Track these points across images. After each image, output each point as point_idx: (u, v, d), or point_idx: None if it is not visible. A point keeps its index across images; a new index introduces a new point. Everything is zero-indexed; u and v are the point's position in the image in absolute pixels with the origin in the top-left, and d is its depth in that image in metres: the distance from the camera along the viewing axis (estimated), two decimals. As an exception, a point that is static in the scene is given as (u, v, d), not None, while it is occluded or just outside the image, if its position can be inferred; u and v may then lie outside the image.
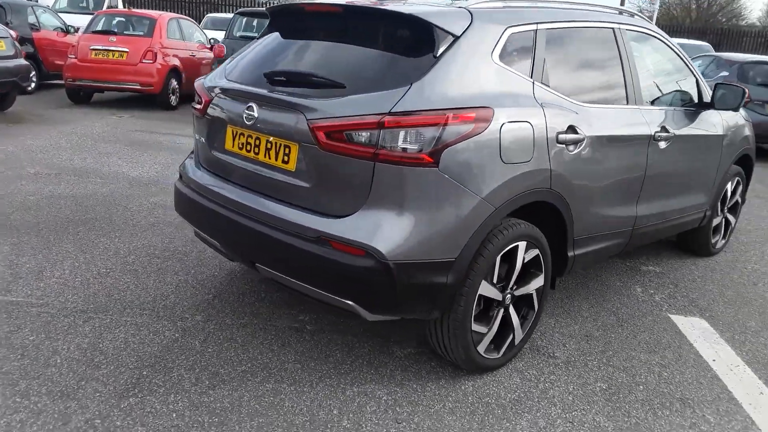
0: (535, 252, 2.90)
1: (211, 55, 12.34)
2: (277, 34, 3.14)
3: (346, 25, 2.86)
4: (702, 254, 4.82)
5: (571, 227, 3.08)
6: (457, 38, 2.59)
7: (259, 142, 2.76)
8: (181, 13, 19.78)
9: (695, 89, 4.18)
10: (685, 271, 4.51)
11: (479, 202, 2.54)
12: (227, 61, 3.30)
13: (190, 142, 7.98)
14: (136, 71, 10.30)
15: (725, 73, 10.37)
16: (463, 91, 2.53)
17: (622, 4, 23.61)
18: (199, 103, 3.15)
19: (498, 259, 2.70)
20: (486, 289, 2.71)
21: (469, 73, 2.59)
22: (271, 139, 2.69)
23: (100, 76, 10.23)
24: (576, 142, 2.96)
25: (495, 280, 2.75)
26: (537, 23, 2.95)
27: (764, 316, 3.81)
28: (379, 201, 2.41)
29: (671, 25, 31.58)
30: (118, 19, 11.26)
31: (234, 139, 2.91)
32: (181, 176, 3.35)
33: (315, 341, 3.09)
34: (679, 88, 4.10)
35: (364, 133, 2.39)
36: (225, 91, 2.97)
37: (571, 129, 2.93)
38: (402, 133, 2.36)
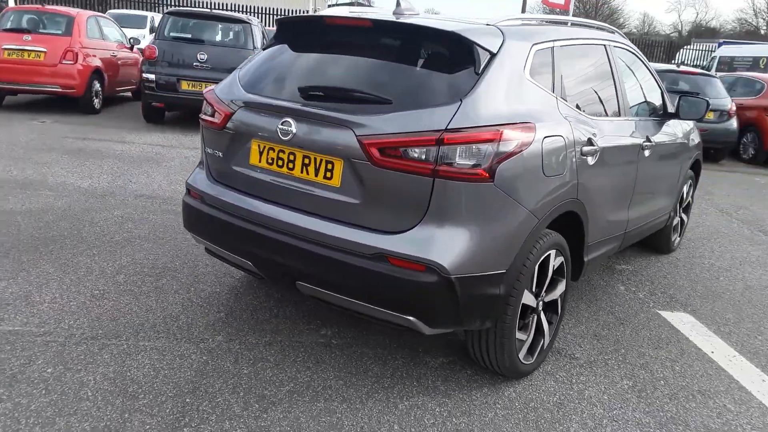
0: (560, 259, 3.02)
1: (133, 55, 11.73)
2: (292, 45, 3.06)
3: (377, 40, 2.85)
4: (663, 251, 5.18)
5: (587, 234, 3.23)
6: (494, 55, 2.63)
7: (294, 158, 2.68)
8: (84, 8, 18.56)
9: (661, 100, 4.49)
10: (653, 268, 4.83)
11: (527, 214, 2.61)
12: (238, 71, 3.16)
13: (129, 148, 7.61)
14: (55, 72, 9.59)
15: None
16: (508, 107, 2.59)
17: (523, 10, 24.65)
18: (213, 115, 3.00)
19: (536, 268, 2.79)
20: (527, 298, 2.79)
21: (510, 89, 2.65)
22: (311, 154, 2.63)
23: (15, 77, 9.45)
24: (593, 154, 3.11)
25: (534, 289, 2.84)
26: (554, 40, 3.07)
27: (737, 307, 4.16)
28: (438, 216, 2.42)
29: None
30: (29, 16, 10.38)
31: (262, 154, 2.80)
32: (189, 191, 3.18)
33: (347, 356, 3.04)
34: (649, 99, 4.39)
35: (421, 150, 2.39)
36: (250, 104, 2.85)
37: (589, 141, 3.08)
38: (460, 149, 2.39)
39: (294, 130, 2.63)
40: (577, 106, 3.13)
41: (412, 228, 2.44)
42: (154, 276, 3.78)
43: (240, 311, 3.42)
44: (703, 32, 48.21)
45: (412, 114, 2.45)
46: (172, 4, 28.33)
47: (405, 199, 2.44)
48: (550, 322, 3.10)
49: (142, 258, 4.05)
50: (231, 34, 9.53)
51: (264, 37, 9.79)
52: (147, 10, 26.09)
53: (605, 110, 3.55)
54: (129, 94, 12.22)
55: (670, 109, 4.47)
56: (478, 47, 2.60)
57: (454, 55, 2.64)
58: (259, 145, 2.81)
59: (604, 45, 3.67)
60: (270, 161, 2.78)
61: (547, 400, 2.82)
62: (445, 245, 2.40)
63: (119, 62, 11.13)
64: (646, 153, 3.90)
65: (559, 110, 2.92)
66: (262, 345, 3.07)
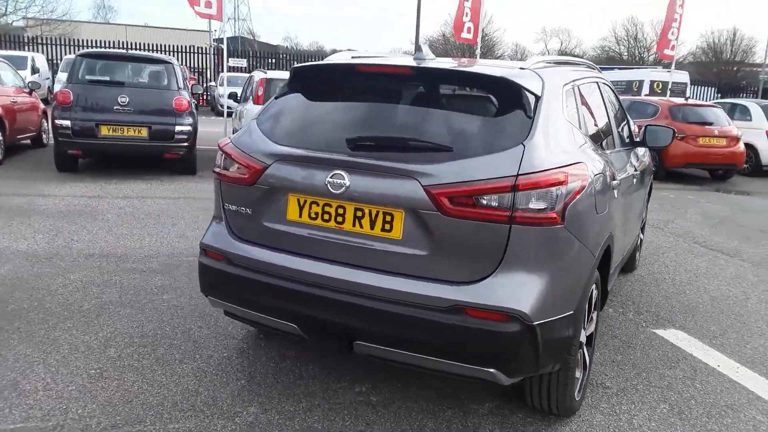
0: (596, 293, 3.07)
1: (32, 100, 10.83)
2: (316, 93, 2.94)
3: (417, 87, 2.79)
4: (629, 270, 5.44)
5: (612, 264, 3.32)
6: (539, 98, 2.64)
7: (344, 211, 2.55)
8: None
9: (629, 129, 4.74)
10: (626, 287, 5.05)
11: (589, 254, 2.64)
12: (254, 121, 2.96)
13: (53, 202, 6.96)
14: (-50, 124, 8.65)
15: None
16: (562, 148, 2.61)
17: (417, 42, 25.52)
18: (238, 170, 2.79)
19: (586, 305, 2.81)
20: (583, 336, 2.80)
21: (558, 130, 2.67)
22: (365, 207, 2.50)
23: None
24: (617, 187, 3.22)
25: (586, 326, 2.86)
26: (573, 81, 3.15)
27: (715, 319, 4.42)
28: (515, 262, 2.37)
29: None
30: None
31: (302, 209, 2.64)
32: (206, 252, 2.92)
33: (395, 414, 2.89)
34: (622, 130, 4.63)
35: (495, 197, 2.35)
36: (289, 157, 2.67)
37: (613, 175, 3.18)
38: (535, 194, 2.36)
39: (347, 183, 2.49)
40: (597, 143, 3.22)
41: (487, 277, 2.37)
42: (149, 347, 3.42)
43: (261, 376, 3.16)
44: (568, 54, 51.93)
45: (478, 161, 2.40)
46: (44, 43, 26.73)
47: (478, 248, 2.38)
48: (589, 356, 3.13)
49: (125, 327, 3.66)
50: (152, 75, 9.05)
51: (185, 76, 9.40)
52: (22, 50, 24.44)
53: (610, 144, 3.69)
54: (29, 141, 11.23)
55: (637, 137, 4.68)
56: (526, 91, 2.61)
57: (505, 100, 2.63)
58: (299, 200, 2.64)
59: (597, 81, 3.83)
60: (313, 216, 2.61)
61: (605, 435, 2.82)
62: (524, 292, 2.36)
63: (19, 108, 10.22)
64: (634, 180, 4.10)
65: (591, 148, 2.98)
66: (302, 412, 2.85)
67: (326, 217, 2.59)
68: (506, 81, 2.62)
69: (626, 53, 54.60)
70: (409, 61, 2.81)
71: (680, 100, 13.12)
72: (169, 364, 3.24)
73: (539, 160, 2.41)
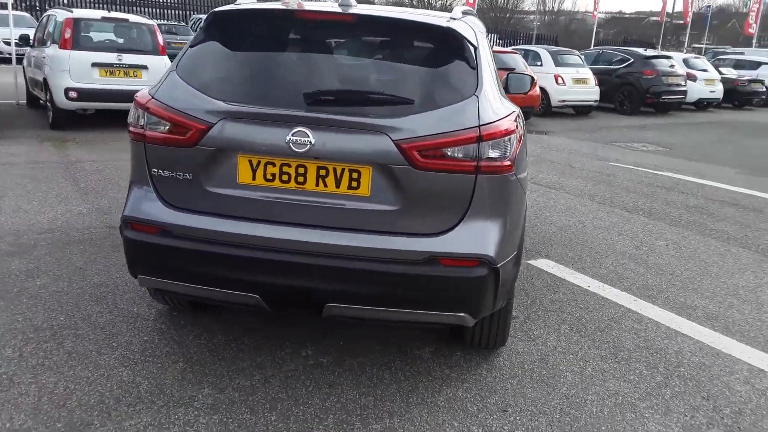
0: None
1: None
2: (249, 42, 2.74)
3: (362, 36, 2.74)
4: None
5: None
6: (476, 49, 2.76)
7: (306, 171, 2.47)
8: None
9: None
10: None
11: (525, 197, 2.91)
12: (177, 72, 2.67)
13: None
14: None
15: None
16: (498, 98, 2.77)
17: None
18: (173, 131, 2.53)
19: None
20: None
21: (492, 81, 2.81)
22: (329, 165, 2.46)
23: None
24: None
25: None
26: (482, 30, 3.28)
27: (569, 246, 5.09)
28: (479, 211, 2.52)
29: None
30: None
31: (256, 171, 2.50)
32: (132, 225, 2.63)
33: (350, 371, 2.95)
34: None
35: (462, 148, 2.45)
36: (239, 115, 2.49)
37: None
38: (493, 144, 2.50)
39: (312, 141, 2.41)
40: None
41: (455, 226, 2.50)
42: (50, 341, 3.02)
43: (197, 355, 2.99)
44: None
45: (440, 113, 2.47)
46: None
47: (447, 199, 2.48)
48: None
49: (7, 322, 3.16)
50: None
51: None
52: None
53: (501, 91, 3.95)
54: None
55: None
56: (467, 42, 2.70)
57: (452, 51, 2.68)
58: (251, 161, 2.49)
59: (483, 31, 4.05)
60: (270, 178, 2.49)
61: (532, 359, 3.19)
62: (488, 237, 2.53)
63: None
64: None
65: (506, 97, 3.17)
66: (260, 384, 2.78)
67: (285, 178, 2.49)
68: (453, 32, 2.68)
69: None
70: (351, 8, 2.72)
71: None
72: (86, 356, 2.90)
73: (492, 111, 2.56)
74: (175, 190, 2.59)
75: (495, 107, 2.61)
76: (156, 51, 9.12)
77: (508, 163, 2.56)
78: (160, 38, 9.26)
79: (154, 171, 2.61)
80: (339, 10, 2.66)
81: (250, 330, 3.25)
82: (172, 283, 2.67)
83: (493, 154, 2.51)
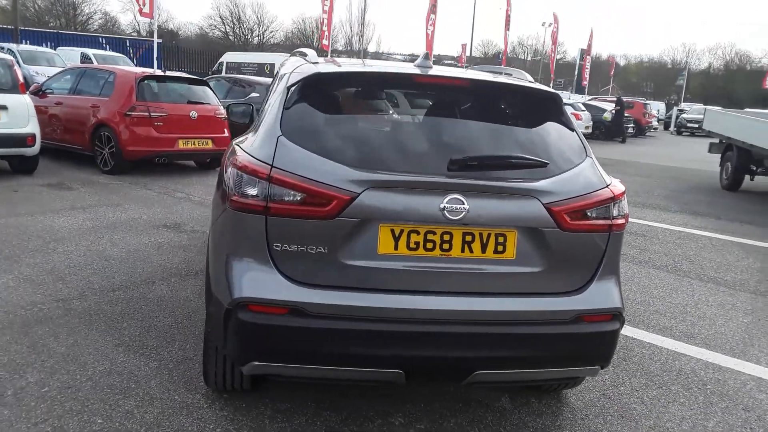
0: None
1: None
2: (355, 105, 2.63)
3: (477, 99, 2.79)
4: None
5: None
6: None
7: (450, 237, 2.40)
8: None
9: None
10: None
11: None
12: (287, 138, 2.43)
13: None
14: None
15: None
16: None
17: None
18: (308, 202, 2.30)
19: None
20: None
21: None
22: (475, 231, 2.41)
23: None
24: None
25: None
26: None
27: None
28: (608, 266, 2.62)
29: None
30: None
31: (398, 240, 2.37)
32: (252, 308, 2.32)
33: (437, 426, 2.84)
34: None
35: (602, 209, 2.55)
36: (385, 184, 2.34)
37: None
38: (620, 203, 2.63)
39: (467, 207, 2.34)
40: None
41: (591, 282, 2.57)
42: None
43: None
44: (164, 34, 48.00)
45: (573, 174, 2.56)
46: None
47: (585, 258, 2.56)
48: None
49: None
50: None
51: None
52: None
53: None
54: None
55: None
56: (563, 105, 2.82)
57: (554, 114, 2.77)
58: (393, 230, 2.35)
59: None
60: (413, 246, 2.38)
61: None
62: (616, 291, 2.64)
63: None
64: None
65: None
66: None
67: (429, 246, 2.38)
68: (557, 96, 2.80)
69: (210, 31, 56.02)
70: (460, 73, 2.70)
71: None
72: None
73: (603, 172, 2.70)
74: (304, 265, 2.35)
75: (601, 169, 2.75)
76: (15, 89, 7.94)
77: (623, 221, 2.69)
78: (20, 74, 8.08)
79: (276, 246, 2.33)
80: (465, 76, 2.65)
81: (320, 402, 2.97)
82: (296, 367, 2.38)
83: (618, 212, 2.63)
